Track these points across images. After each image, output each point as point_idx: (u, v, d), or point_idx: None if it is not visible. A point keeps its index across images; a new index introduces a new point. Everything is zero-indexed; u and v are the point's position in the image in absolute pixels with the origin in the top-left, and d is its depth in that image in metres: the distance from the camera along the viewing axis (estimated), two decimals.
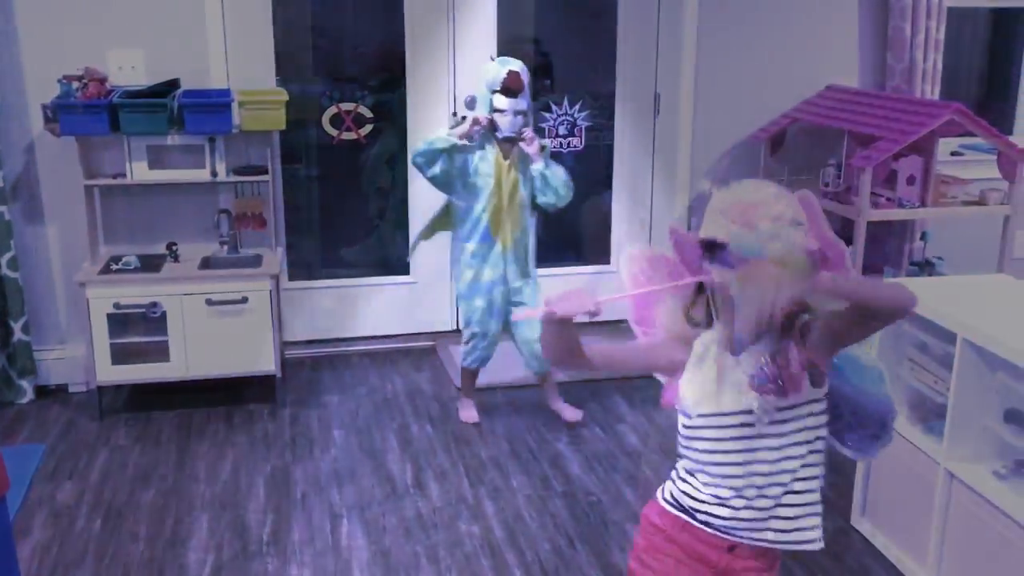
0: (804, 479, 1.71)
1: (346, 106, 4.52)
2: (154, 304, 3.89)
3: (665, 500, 1.85)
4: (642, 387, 4.20)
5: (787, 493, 1.71)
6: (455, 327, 4.79)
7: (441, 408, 4.03)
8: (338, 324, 4.67)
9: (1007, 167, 3.96)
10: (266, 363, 4.00)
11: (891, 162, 3.90)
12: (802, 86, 4.51)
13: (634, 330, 1.95)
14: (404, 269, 4.76)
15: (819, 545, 1.75)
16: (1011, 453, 2.58)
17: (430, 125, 4.57)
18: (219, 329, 3.94)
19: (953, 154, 4.69)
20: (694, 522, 1.78)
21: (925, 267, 4.39)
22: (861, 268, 3.96)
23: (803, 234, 1.59)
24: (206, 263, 4.09)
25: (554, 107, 4.73)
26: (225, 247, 4.19)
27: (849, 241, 4.05)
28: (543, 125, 4.75)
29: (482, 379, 4.11)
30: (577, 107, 4.75)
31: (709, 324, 1.76)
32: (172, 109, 3.91)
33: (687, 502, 1.79)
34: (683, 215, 4.55)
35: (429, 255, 4.71)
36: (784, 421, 1.68)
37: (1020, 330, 2.52)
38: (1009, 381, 2.54)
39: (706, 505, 1.76)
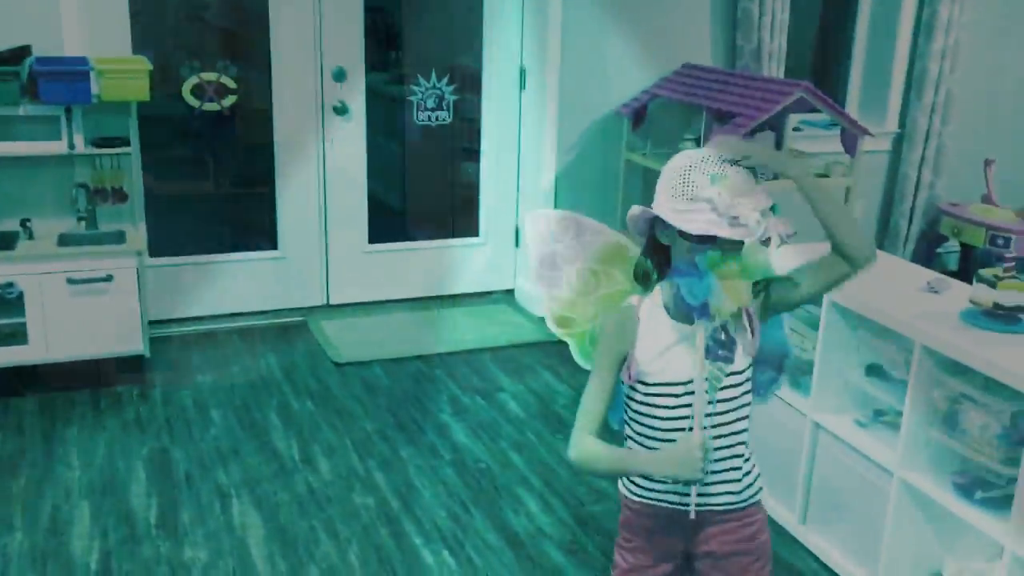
0: (744, 440, 1.80)
1: (208, 76, 4.38)
2: (9, 284, 3.67)
3: (626, 488, 1.88)
4: (516, 356, 4.31)
5: (733, 457, 1.78)
6: (326, 301, 4.75)
7: (319, 383, 4.00)
8: (205, 301, 4.54)
9: (849, 142, 4.28)
10: (133, 343, 3.86)
11: (747, 137, 4.14)
12: (661, 63, 4.70)
13: (536, 286, 1.94)
14: (272, 243, 4.67)
15: (760, 495, 1.86)
16: (871, 403, 2.84)
17: (296, 96, 4.50)
18: (81, 309, 3.76)
19: (794, 130, 5.01)
20: (656, 502, 1.82)
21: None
22: None
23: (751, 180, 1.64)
24: (64, 240, 3.89)
25: (422, 80, 4.76)
26: (83, 223, 3.99)
27: None
28: (411, 99, 4.77)
29: (362, 353, 4.11)
30: (445, 80, 4.79)
31: (647, 286, 1.78)
32: (24, 78, 3.68)
33: (645, 484, 1.83)
34: (550, 188, 4.66)
35: (296, 228, 4.66)
36: (732, 386, 1.74)
37: (877, 291, 2.76)
38: (869, 338, 2.79)
39: (662, 483, 1.79)
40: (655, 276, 1.77)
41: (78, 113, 3.78)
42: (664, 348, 1.74)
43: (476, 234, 5.01)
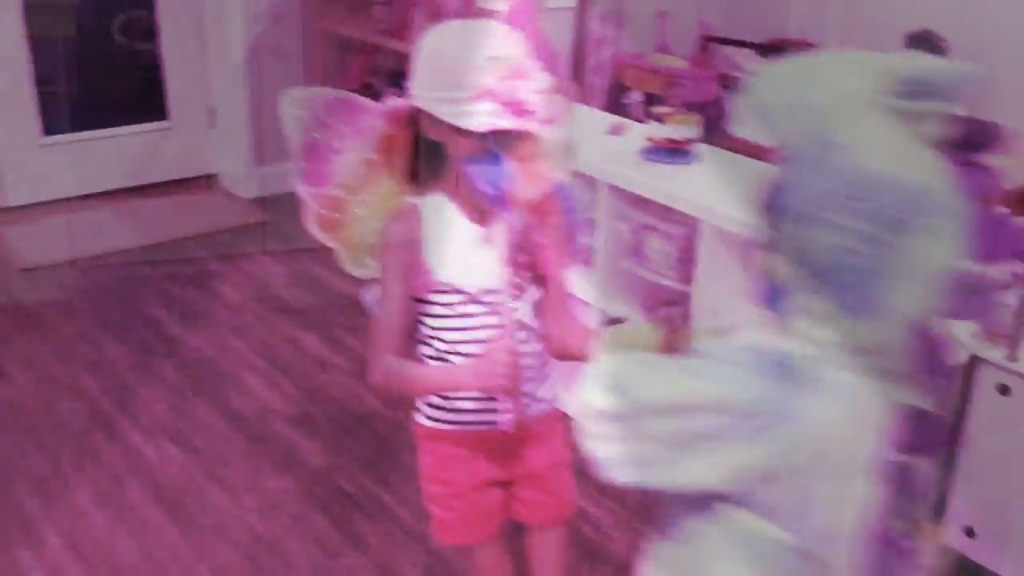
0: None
1: None
2: None
3: (427, 419, 1.69)
4: (226, 241, 4.16)
5: (544, 365, 1.65)
6: (4, 204, 4.31)
7: (4, 293, 3.66)
8: None
9: None
10: None
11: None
12: None
13: (297, 183, 1.69)
14: None
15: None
16: None
17: None
18: None
19: None
20: (462, 426, 1.65)
21: None
22: None
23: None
24: None
25: None
26: None
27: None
28: None
29: (52, 255, 3.81)
30: None
31: (423, 188, 1.58)
32: None
33: (449, 408, 1.65)
34: (241, 63, 4.43)
35: None
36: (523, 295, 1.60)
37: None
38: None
39: (466, 403, 1.63)
40: (432, 174, 1.55)
41: None
42: (459, 252, 1.54)
43: (165, 117, 4.69)
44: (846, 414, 1.05)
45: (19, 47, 4.20)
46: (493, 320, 1.57)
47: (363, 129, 1.64)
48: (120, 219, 4.33)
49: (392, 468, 2.70)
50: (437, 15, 3.35)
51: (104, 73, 4.73)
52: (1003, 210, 0.97)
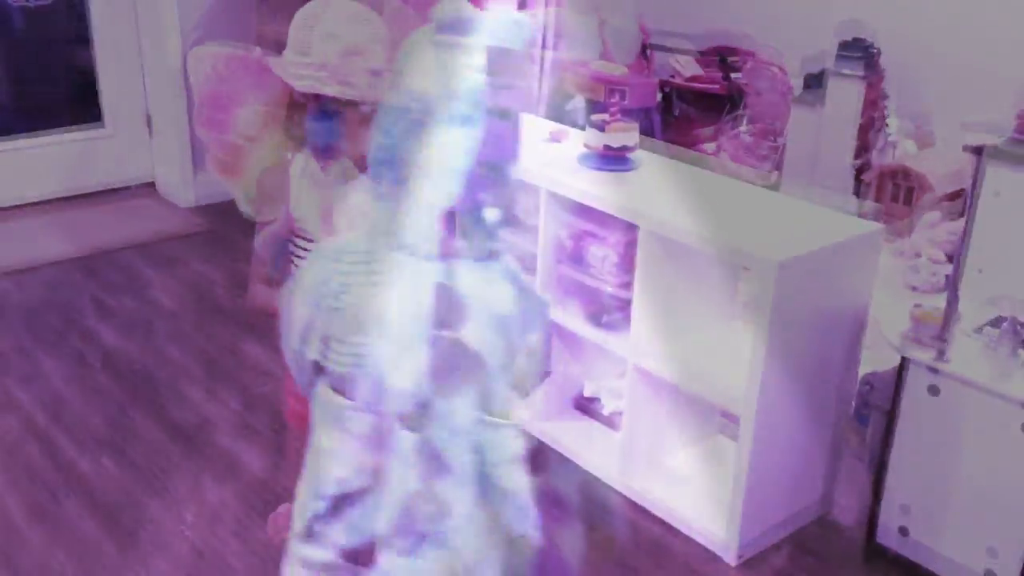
0: None
1: None
2: None
3: None
4: (164, 250, 4.10)
5: None
6: None
7: None
8: None
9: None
10: None
11: None
12: None
13: (201, 134, 1.90)
14: None
15: None
16: (510, 250, 3.03)
17: None
18: None
19: None
20: None
21: None
22: None
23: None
24: None
25: None
26: None
27: None
28: None
29: None
30: None
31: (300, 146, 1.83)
32: None
33: None
34: (178, 68, 4.37)
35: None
36: None
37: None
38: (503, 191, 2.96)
39: None
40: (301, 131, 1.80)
41: None
42: (312, 202, 1.78)
43: (101, 124, 4.60)
44: (399, 288, 1.30)
45: None
46: None
47: (261, 84, 1.84)
48: (54, 228, 4.24)
49: None
50: None
51: (35, 77, 4.63)
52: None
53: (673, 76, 4.70)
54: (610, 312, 2.65)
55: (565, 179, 2.63)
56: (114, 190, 4.63)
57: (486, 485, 1.40)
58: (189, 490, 2.64)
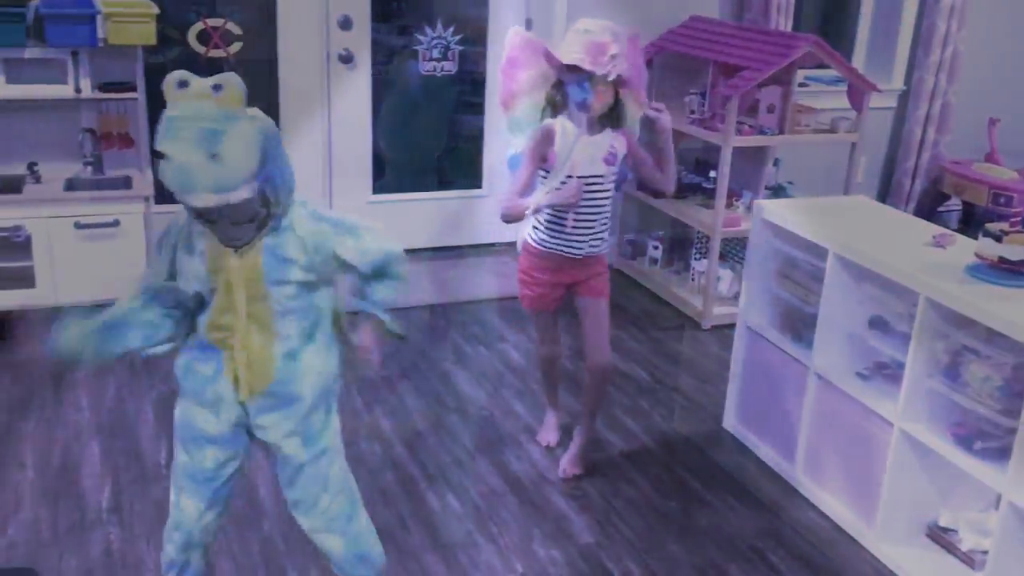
0: (607, 215, 2.87)
1: (213, 22, 4.35)
2: (17, 227, 3.68)
3: (530, 238, 2.92)
4: (518, 307, 4.33)
5: (601, 225, 2.87)
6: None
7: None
8: None
9: (856, 98, 4.28)
10: None
11: (755, 91, 4.14)
12: (668, 15, 4.68)
13: (500, 75, 2.92)
14: None
15: (608, 247, 2.98)
16: (873, 355, 2.87)
17: (302, 44, 4.48)
18: (88, 253, 3.78)
19: (801, 85, 5.00)
20: (548, 248, 2.88)
21: (777, 191, 4.71)
22: (725, 192, 4.20)
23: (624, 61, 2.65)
24: (71, 184, 3.90)
25: (428, 30, 4.73)
26: (89, 168, 4.00)
27: (714, 166, 4.29)
28: (417, 48, 4.74)
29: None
30: (451, 31, 4.76)
31: (557, 111, 2.77)
32: (30, 19, 3.66)
33: (539, 238, 2.89)
34: None
35: (301, 178, 4.64)
36: (597, 176, 2.79)
37: (881, 245, 2.79)
38: (873, 291, 2.82)
39: (551, 236, 2.87)
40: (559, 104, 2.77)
41: (84, 57, 3.76)
42: (569, 150, 2.73)
43: (479, 186, 5.01)
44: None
45: (365, 115, 4.66)
46: (586, 196, 2.78)
47: (539, 61, 2.77)
48: (425, 275, 4.64)
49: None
50: None
51: (430, 139, 5.13)
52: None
53: None
54: (985, 438, 2.41)
55: (949, 288, 2.45)
56: (482, 245, 4.99)
57: None
58: (520, 541, 2.74)
